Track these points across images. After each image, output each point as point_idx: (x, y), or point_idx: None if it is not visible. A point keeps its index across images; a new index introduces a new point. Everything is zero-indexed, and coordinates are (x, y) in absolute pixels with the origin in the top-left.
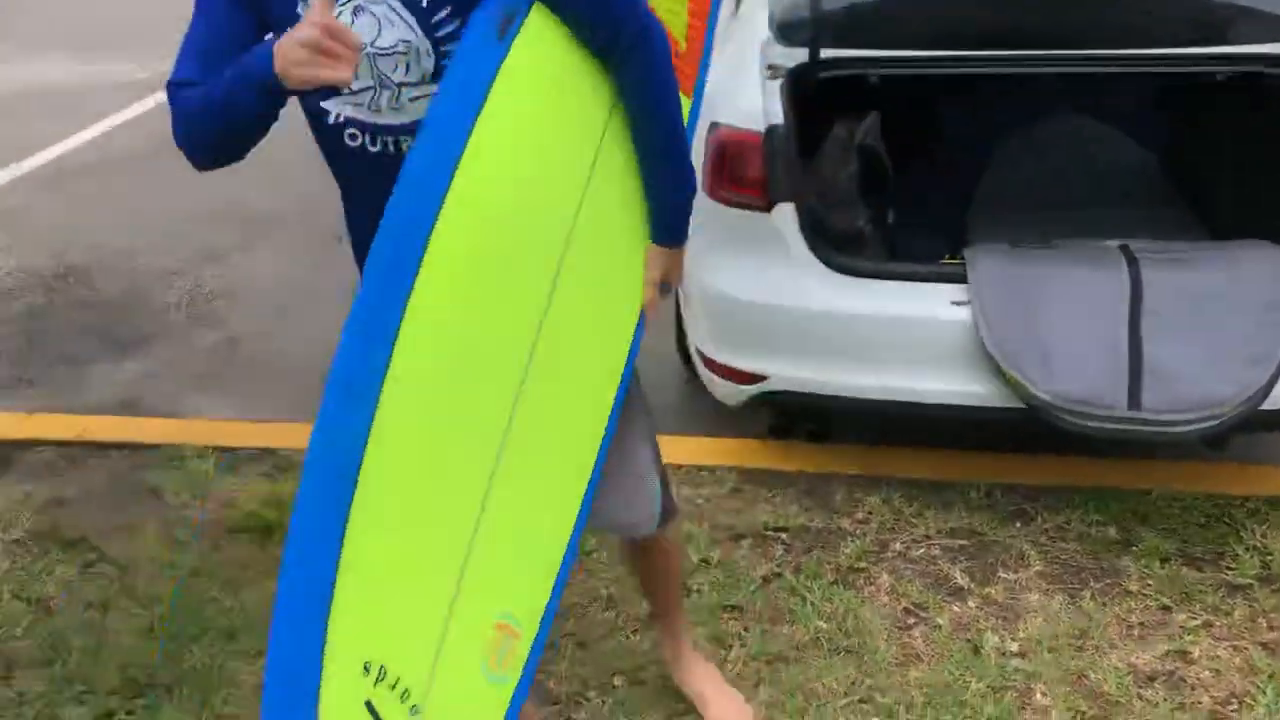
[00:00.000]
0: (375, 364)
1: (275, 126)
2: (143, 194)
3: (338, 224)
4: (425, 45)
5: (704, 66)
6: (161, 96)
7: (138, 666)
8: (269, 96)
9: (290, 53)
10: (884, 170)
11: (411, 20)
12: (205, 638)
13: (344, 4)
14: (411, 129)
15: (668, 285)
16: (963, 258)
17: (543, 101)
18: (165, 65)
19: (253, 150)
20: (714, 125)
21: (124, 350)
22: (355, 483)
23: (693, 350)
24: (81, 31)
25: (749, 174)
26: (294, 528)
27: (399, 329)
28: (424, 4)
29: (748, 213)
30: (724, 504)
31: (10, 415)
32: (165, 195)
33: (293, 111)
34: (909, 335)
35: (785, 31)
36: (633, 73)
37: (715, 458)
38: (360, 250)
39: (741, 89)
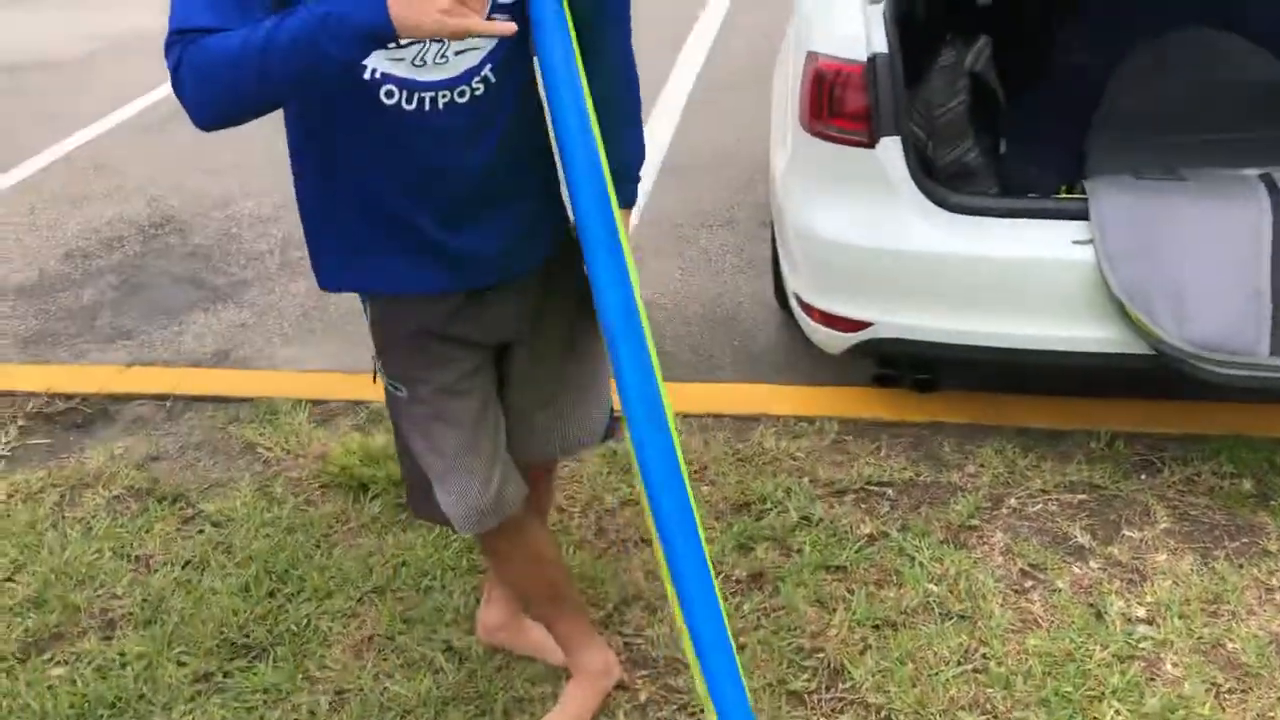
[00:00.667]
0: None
1: None
2: (235, 140)
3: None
4: None
5: None
6: None
7: (234, 627)
8: (368, 46)
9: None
10: (996, 99)
11: None
12: (300, 597)
13: None
14: (452, 84)
15: None
16: (1082, 191)
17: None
18: None
19: None
20: (811, 55)
21: (218, 299)
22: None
23: (790, 295)
24: None
25: (850, 107)
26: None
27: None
28: None
29: (849, 149)
30: (825, 457)
31: (108, 369)
32: (258, 141)
33: None
34: (1026, 278)
35: None
36: (616, 35)
37: (815, 408)
38: (373, 212)
39: (839, 15)
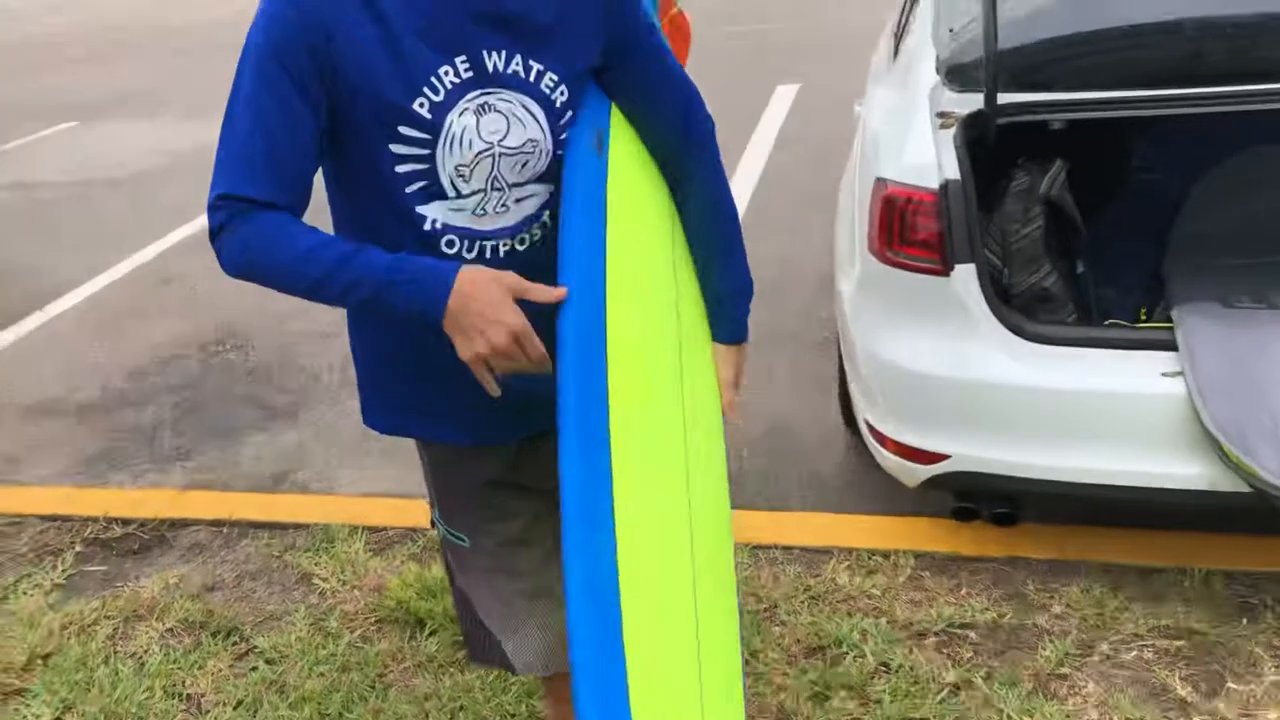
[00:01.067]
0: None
1: None
2: None
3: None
4: (549, 144)
5: None
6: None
7: None
8: (419, 318)
9: (483, 328)
10: (1074, 224)
11: (542, 118)
12: None
13: (470, 100)
14: (513, 232)
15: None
16: (1167, 318)
17: (637, 209)
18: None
19: None
20: (880, 181)
21: (276, 419)
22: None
23: (861, 422)
24: None
25: (922, 234)
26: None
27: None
28: (557, 104)
29: (923, 276)
30: (902, 595)
31: (166, 492)
32: None
33: None
34: (1112, 412)
35: (956, 75)
36: (704, 169)
37: (890, 540)
38: (432, 361)
39: (910, 140)
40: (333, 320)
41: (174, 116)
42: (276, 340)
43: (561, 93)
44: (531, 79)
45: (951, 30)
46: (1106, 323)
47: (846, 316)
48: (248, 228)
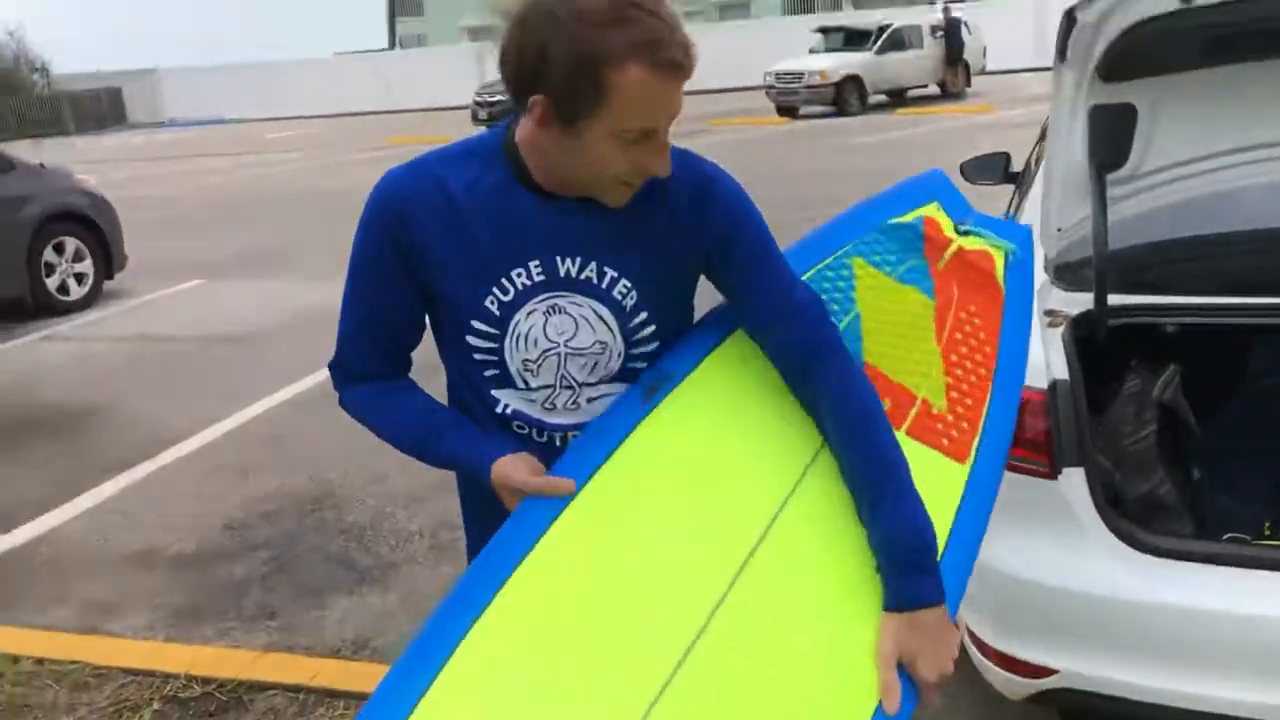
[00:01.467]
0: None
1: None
2: None
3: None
4: (619, 347)
5: (996, 435)
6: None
7: None
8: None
9: (505, 490)
10: (1189, 430)
11: (612, 322)
12: None
13: (539, 302)
14: (580, 427)
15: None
16: None
17: (688, 450)
18: None
19: None
20: None
21: (364, 582)
22: None
23: (963, 629)
24: None
25: (1030, 434)
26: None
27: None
28: (628, 309)
29: (1030, 479)
30: None
31: (245, 653)
32: None
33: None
34: (1232, 635)
35: (1064, 274)
36: (828, 391)
37: None
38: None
39: None
40: (430, 483)
41: (296, 278)
42: (373, 501)
43: (633, 296)
44: (604, 285)
45: (1060, 229)
46: (1226, 537)
47: None
48: (350, 394)
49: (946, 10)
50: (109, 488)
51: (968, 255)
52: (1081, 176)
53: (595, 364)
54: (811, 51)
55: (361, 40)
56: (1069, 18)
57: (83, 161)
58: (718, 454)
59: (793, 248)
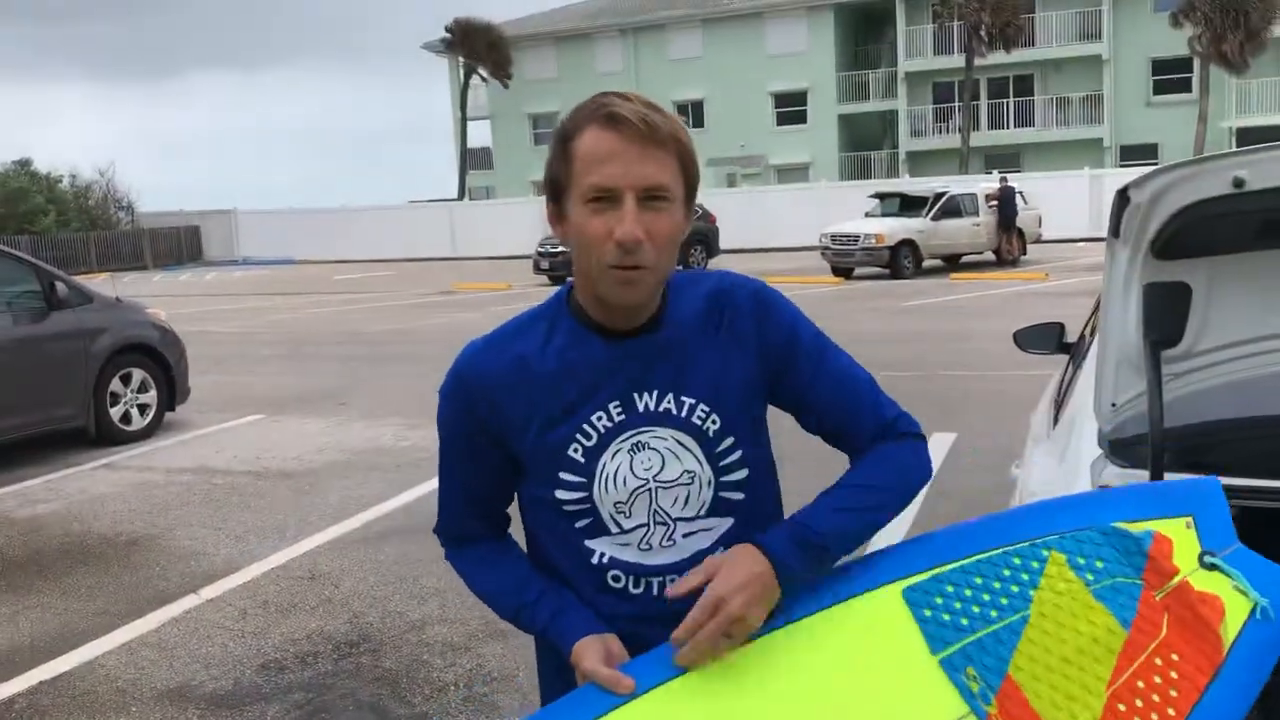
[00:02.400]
0: None
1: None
2: (442, 563)
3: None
4: (708, 475)
5: None
6: None
7: None
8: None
9: (577, 669)
10: None
11: (697, 450)
12: None
13: (623, 440)
14: (679, 568)
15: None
16: None
17: (766, 689)
18: None
19: None
20: None
21: None
22: None
23: None
24: (414, 402)
25: None
26: None
27: None
28: (710, 434)
29: None
30: None
31: None
32: None
33: None
34: None
35: (1119, 450)
36: (891, 446)
37: None
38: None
39: None
40: (469, 632)
41: (352, 417)
42: (410, 648)
43: (714, 421)
44: (683, 414)
45: (1114, 404)
46: None
47: None
48: (456, 557)
49: (1003, 180)
50: (149, 621)
51: (1194, 594)
52: (1136, 352)
53: (687, 496)
54: (867, 215)
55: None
56: (1122, 196)
57: (157, 295)
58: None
59: (991, 519)
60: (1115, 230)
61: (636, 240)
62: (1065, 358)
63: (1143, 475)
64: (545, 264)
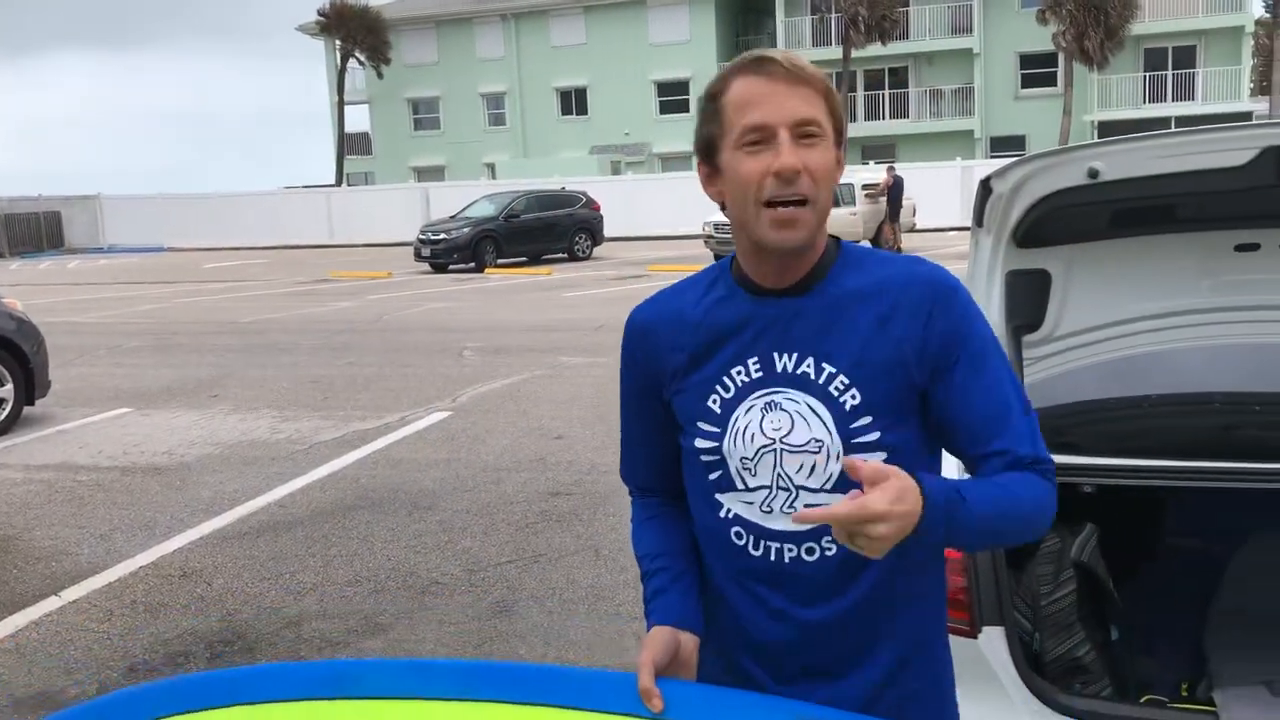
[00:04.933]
0: None
1: (447, 482)
2: (319, 556)
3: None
4: (838, 447)
5: None
6: (352, 458)
7: None
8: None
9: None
10: (1106, 592)
11: (828, 418)
12: None
13: (757, 397)
14: (798, 538)
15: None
16: (1209, 700)
17: None
18: (358, 426)
19: (425, 507)
20: None
21: None
22: None
23: None
24: (289, 393)
25: (950, 593)
26: None
27: None
28: (846, 407)
29: (950, 636)
30: None
31: None
32: (340, 558)
33: (463, 458)
34: None
35: None
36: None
37: None
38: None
39: None
40: (348, 628)
41: (225, 409)
42: (286, 645)
43: (853, 396)
44: (820, 380)
45: None
46: (1144, 699)
47: None
48: (633, 508)
49: (890, 169)
50: (5, 625)
51: None
52: (1000, 337)
53: (813, 465)
54: None
55: (312, 177)
56: (985, 187)
57: (14, 284)
58: None
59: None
60: (979, 220)
61: (795, 169)
62: None
63: None
64: (426, 251)
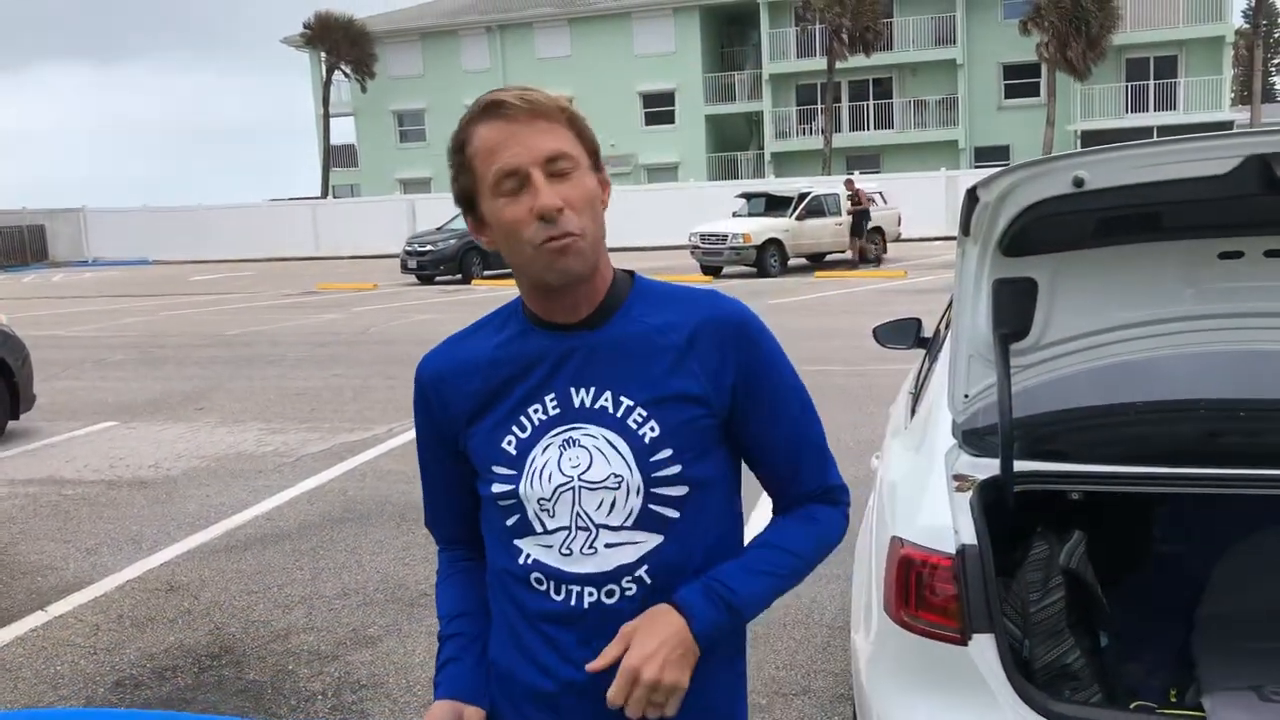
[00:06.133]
0: None
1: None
2: (306, 569)
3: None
4: (637, 482)
5: None
6: (339, 470)
7: None
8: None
9: None
10: (1094, 598)
11: (628, 453)
12: None
13: (555, 435)
14: (599, 580)
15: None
16: (1197, 706)
17: None
18: (345, 438)
19: (413, 519)
20: (896, 540)
21: None
22: None
23: None
24: (276, 406)
25: (939, 599)
26: None
27: None
28: (646, 440)
29: (939, 644)
30: None
31: None
32: (328, 571)
33: None
34: None
35: (972, 440)
36: (807, 517)
37: None
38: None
39: (925, 501)
40: (337, 640)
41: (211, 422)
42: (275, 658)
43: (652, 428)
44: (618, 414)
45: (967, 395)
46: (1133, 705)
47: (862, 676)
48: (439, 560)
49: (849, 184)
50: None
51: None
52: (987, 345)
53: (613, 501)
54: (735, 215)
55: (297, 189)
56: (971, 196)
57: None
58: None
59: None
60: (965, 229)
61: (556, 208)
62: (922, 352)
63: (994, 465)
64: (413, 263)
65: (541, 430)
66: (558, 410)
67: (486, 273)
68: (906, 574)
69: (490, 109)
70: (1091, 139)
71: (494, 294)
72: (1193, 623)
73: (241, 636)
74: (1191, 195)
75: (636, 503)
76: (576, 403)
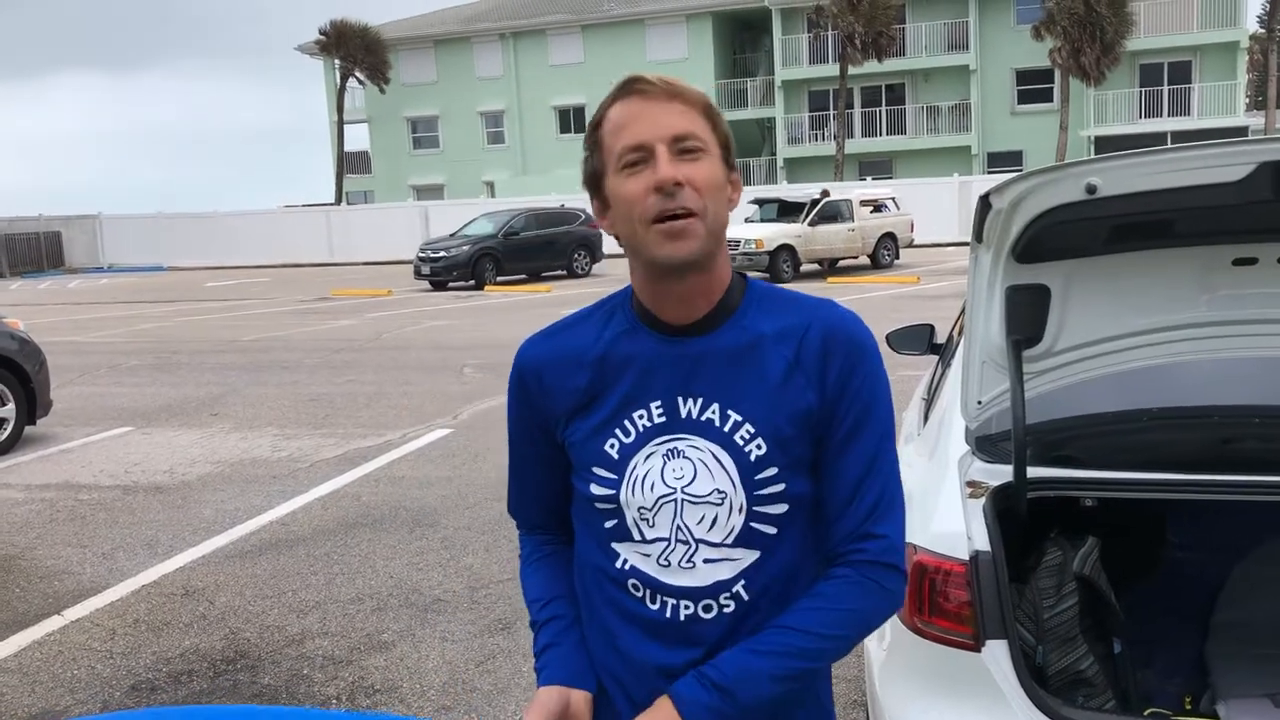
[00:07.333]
0: None
1: (449, 499)
2: (321, 574)
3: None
4: (740, 500)
5: None
6: (353, 476)
7: None
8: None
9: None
10: (1108, 605)
11: (733, 469)
12: None
13: (659, 444)
14: (696, 595)
15: None
16: (1214, 712)
17: None
18: (359, 443)
19: (427, 524)
20: (910, 547)
21: None
22: None
23: None
24: (290, 411)
25: (953, 605)
26: None
27: None
28: (752, 458)
29: (952, 650)
30: None
31: None
32: (342, 576)
33: (464, 475)
34: None
35: (985, 446)
36: (837, 582)
37: None
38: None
39: (939, 508)
40: (351, 644)
41: (226, 428)
42: (289, 663)
43: (758, 446)
44: (726, 429)
45: (980, 402)
46: (1148, 712)
47: (876, 682)
48: (521, 544)
49: (824, 193)
50: (9, 645)
51: None
52: (1000, 352)
53: (715, 518)
54: (748, 221)
55: (311, 195)
56: (984, 203)
57: (14, 304)
58: None
59: None
60: (978, 235)
61: (674, 180)
62: (935, 358)
63: (1007, 471)
64: (426, 269)
65: (646, 437)
66: (663, 418)
67: (499, 278)
68: (920, 580)
69: (627, 87)
70: (1105, 144)
71: (507, 299)
72: (1207, 629)
73: (256, 641)
74: (1205, 202)
75: (739, 521)
76: (683, 413)
